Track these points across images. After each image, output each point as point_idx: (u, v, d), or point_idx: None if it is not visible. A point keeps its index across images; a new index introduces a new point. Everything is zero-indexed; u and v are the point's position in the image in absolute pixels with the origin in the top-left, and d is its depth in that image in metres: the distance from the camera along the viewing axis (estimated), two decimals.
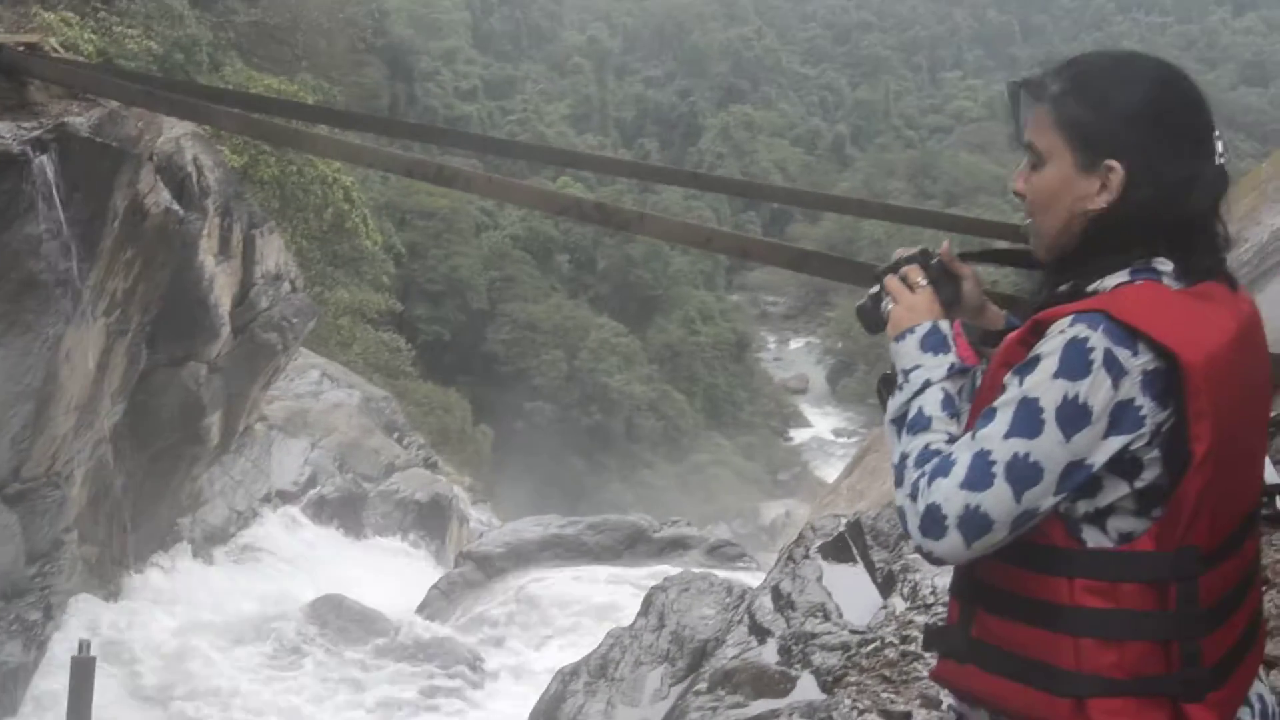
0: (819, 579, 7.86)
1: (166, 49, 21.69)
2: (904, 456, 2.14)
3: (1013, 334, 2.15)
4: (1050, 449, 2.02)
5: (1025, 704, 2.11)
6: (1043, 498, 2.03)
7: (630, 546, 17.86)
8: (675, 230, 9.95)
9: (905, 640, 6.28)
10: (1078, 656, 2.07)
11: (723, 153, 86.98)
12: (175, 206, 13.91)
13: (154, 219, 13.38)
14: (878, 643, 6.38)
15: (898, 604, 7.10)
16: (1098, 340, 2.02)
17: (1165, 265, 2.13)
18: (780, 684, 6.65)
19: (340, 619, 15.84)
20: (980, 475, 2.03)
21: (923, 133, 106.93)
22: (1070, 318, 2.05)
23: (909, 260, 2.37)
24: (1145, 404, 2.02)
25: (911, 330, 2.25)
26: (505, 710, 13.31)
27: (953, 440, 2.12)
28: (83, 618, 14.06)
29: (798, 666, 6.77)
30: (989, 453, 2.03)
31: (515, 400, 47.61)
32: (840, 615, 7.32)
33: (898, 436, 2.19)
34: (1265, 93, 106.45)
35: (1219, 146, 2.16)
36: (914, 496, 2.07)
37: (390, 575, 18.82)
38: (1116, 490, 2.07)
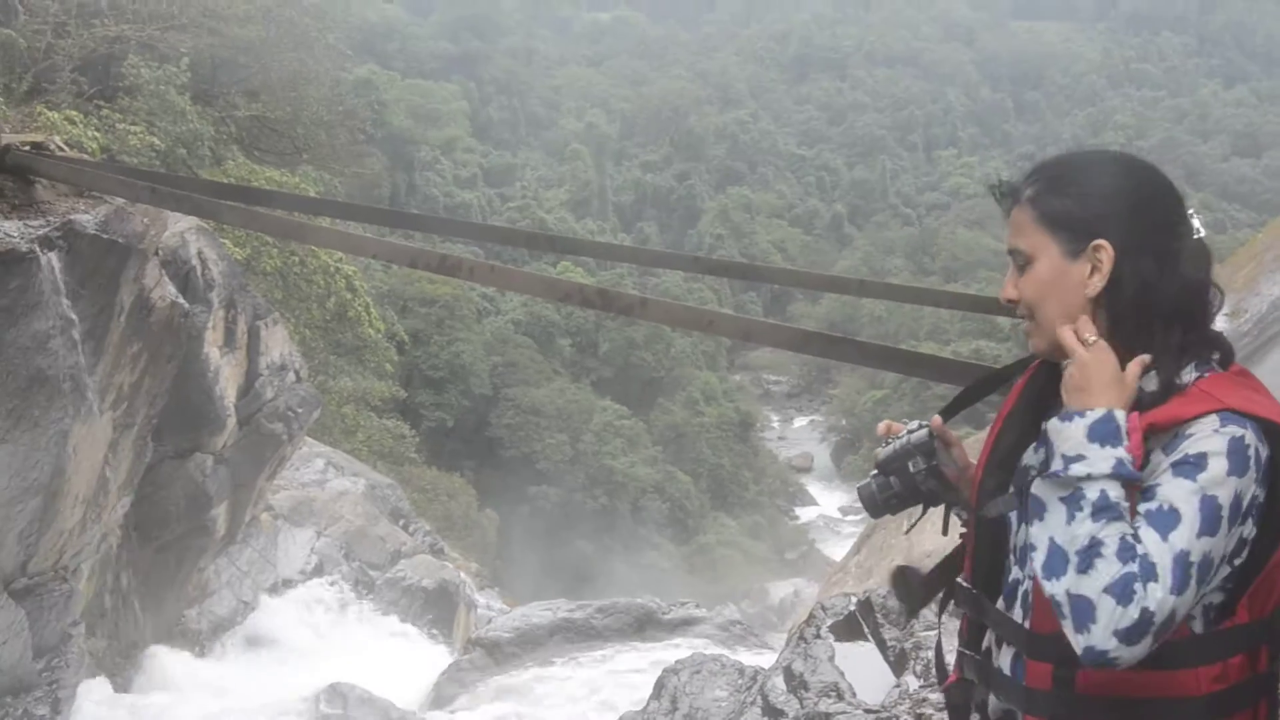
0: (831, 658, 7.84)
1: (169, 144, 21.91)
2: (1096, 542, 2.00)
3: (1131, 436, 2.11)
4: (1222, 544, 2.05)
5: None
6: (1202, 592, 2.06)
7: (640, 629, 17.76)
8: (678, 314, 10.00)
9: (919, 718, 6.26)
10: None
11: (722, 234, 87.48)
12: (181, 300, 14.00)
13: (160, 313, 13.46)
14: None
15: (911, 682, 7.08)
16: (1251, 439, 2.07)
17: (1211, 354, 2.21)
18: None
19: (350, 708, 15.73)
20: (1183, 579, 2.00)
21: (920, 210, 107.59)
22: (1215, 417, 2.09)
23: (916, 447, 2.44)
24: (1259, 490, 2.09)
25: (1079, 415, 2.10)
26: None
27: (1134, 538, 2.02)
28: (91, 712, 13.97)
29: None
30: (1188, 553, 2.01)
31: (520, 484, 47.50)
32: (854, 694, 7.29)
33: (1069, 515, 2.04)
34: (1258, 163, 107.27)
35: (1195, 222, 2.23)
36: (1124, 598, 1.96)
37: (399, 663, 18.70)
38: (1222, 572, 2.10)
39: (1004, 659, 2.29)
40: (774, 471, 63.31)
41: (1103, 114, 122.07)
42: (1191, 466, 2.05)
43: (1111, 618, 1.95)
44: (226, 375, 16.46)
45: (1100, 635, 1.96)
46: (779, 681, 7.89)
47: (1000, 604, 2.32)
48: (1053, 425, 2.11)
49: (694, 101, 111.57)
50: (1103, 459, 2.04)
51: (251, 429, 17.33)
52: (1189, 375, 2.18)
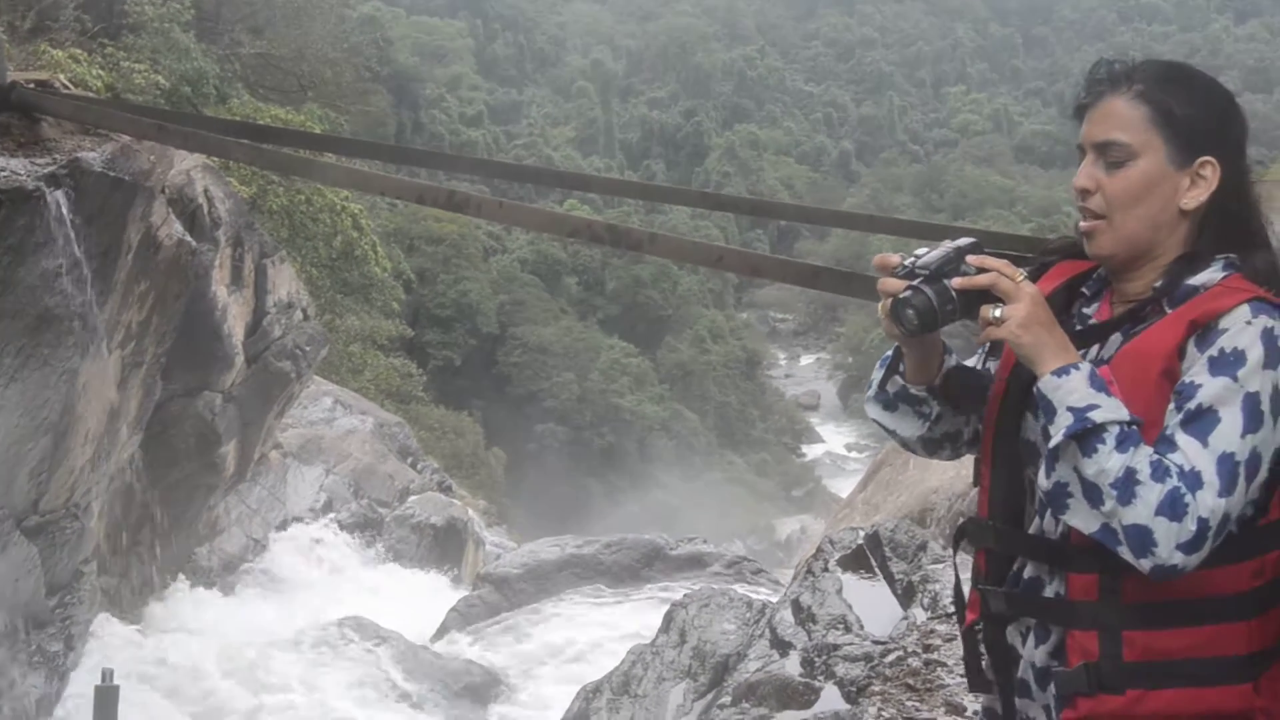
0: (839, 591, 7.89)
1: (173, 82, 21.77)
2: (1130, 471, 2.00)
3: (1167, 339, 2.12)
4: (1268, 439, 2.06)
5: (1208, 705, 2.11)
6: (1253, 488, 2.06)
7: (648, 565, 17.87)
8: (686, 250, 10.01)
9: (928, 649, 6.31)
10: (1250, 639, 2.12)
11: (729, 172, 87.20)
12: (188, 238, 13.98)
13: (167, 251, 13.46)
14: (901, 652, 6.40)
15: (918, 614, 7.13)
16: None
17: (1236, 260, 2.20)
18: (804, 695, 6.67)
19: (361, 642, 15.88)
20: (1229, 480, 2.01)
21: (928, 147, 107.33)
22: (1247, 307, 2.10)
23: (969, 249, 2.22)
24: None
25: (1075, 369, 2.08)
26: None
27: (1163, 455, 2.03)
28: (104, 648, 14.10)
29: (821, 678, 6.80)
30: (1232, 454, 2.02)
31: (527, 423, 47.64)
32: (862, 626, 7.34)
33: (1091, 452, 2.02)
34: (1270, 99, 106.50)
35: None
36: (1177, 514, 1.97)
37: (408, 599, 18.84)
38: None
39: (1037, 581, 2.26)
40: (781, 409, 63.48)
41: (1113, 49, 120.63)
42: (1229, 364, 2.06)
43: (1170, 535, 1.98)
44: (234, 313, 16.47)
45: (1165, 553, 1.99)
46: (787, 614, 7.94)
47: (1034, 524, 2.29)
48: (1049, 383, 2.08)
49: (701, 38, 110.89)
50: (1115, 405, 2.05)
51: (260, 367, 17.37)
52: (1217, 274, 2.18)
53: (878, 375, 2.49)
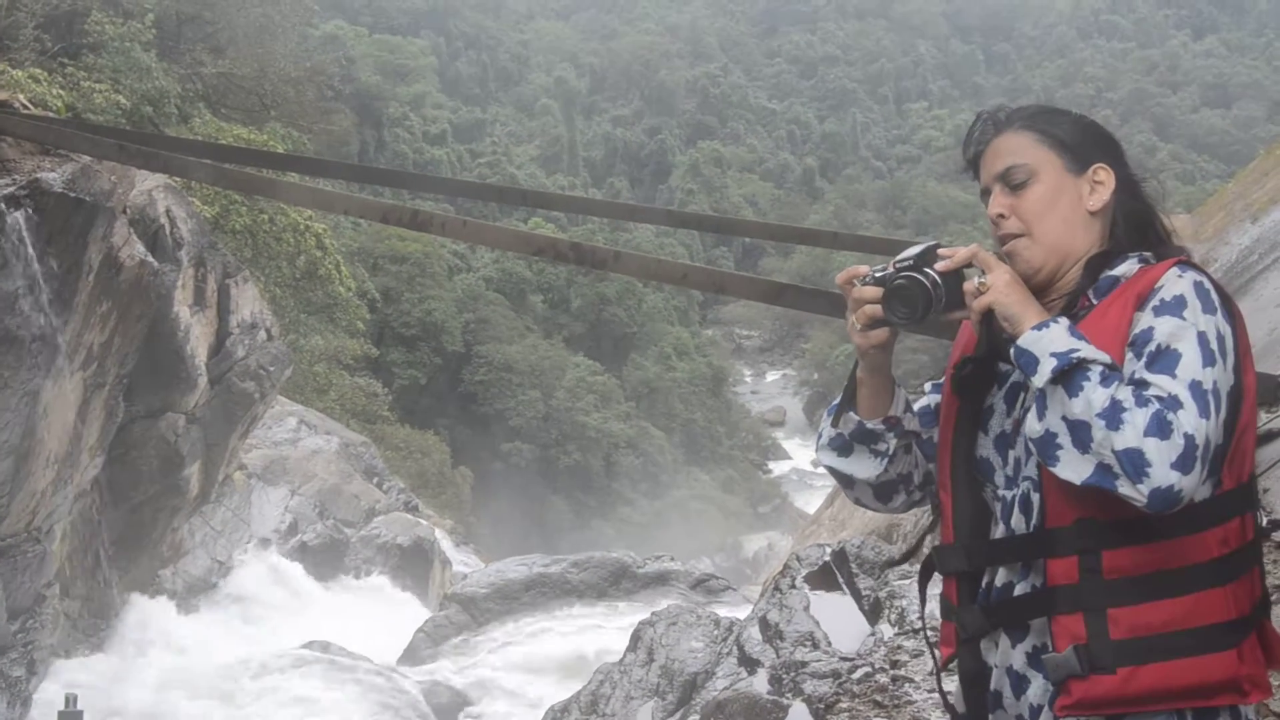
0: (806, 608, 7.88)
1: (135, 102, 21.66)
2: (1115, 401, 2.05)
3: (1118, 316, 2.21)
4: (1224, 376, 2.13)
5: (1197, 676, 2.15)
6: (1220, 424, 2.11)
7: (615, 583, 17.84)
8: (651, 267, 10.01)
9: (895, 665, 6.31)
10: (1227, 606, 2.17)
11: (693, 189, 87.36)
12: (149, 258, 13.90)
13: (129, 271, 13.38)
14: (868, 669, 6.40)
15: (886, 630, 7.13)
16: (1208, 284, 2.21)
17: (1150, 257, 2.33)
18: (773, 713, 6.66)
19: (327, 665, 15.77)
20: (1204, 404, 2.07)
21: (891, 163, 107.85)
22: (1176, 268, 2.23)
23: (934, 247, 2.34)
24: (1226, 327, 2.19)
25: (1055, 322, 2.18)
26: None
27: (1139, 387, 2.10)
28: (67, 672, 13.96)
29: (789, 695, 6.79)
30: (1200, 382, 2.09)
31: (493, 441, 47.50)
32: (829, 643, 7.34)
33: (1077, 391, 2.08)
34: (1228, 114, 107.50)
35: None
36: (1164, 432, 2.02)
37: (375, 620, 18.75)
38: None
39: (1009, 586, 2.30)
40: (746, 426, 63.52)
41: (1073, 65, 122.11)
42: (1173, 306, 2.17)
43: (1162, 454, 2.02)
44: (197, 334, 16.38)
45: (1160, 473, 2.03)
46: (754, 631, 7.93)
47: (1000, 531, 2.33)
48: (1030, 337, 2.18)
49: (664, 55, 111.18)
50: (1095, 350, 2.13)
51: (223, 388, 17.27)
52: (1135, 265, 2.31)
53: (827, 421, 2.56)
